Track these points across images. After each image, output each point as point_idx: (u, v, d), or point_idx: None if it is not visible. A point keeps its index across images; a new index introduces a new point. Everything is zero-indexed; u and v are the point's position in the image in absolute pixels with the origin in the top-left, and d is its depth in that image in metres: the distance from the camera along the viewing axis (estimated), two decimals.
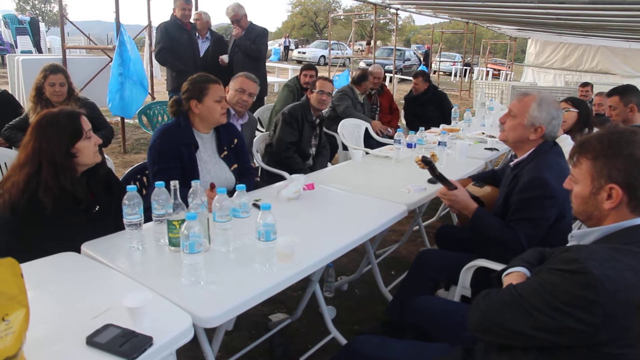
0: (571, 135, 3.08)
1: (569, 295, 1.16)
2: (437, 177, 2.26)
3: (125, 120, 6.47)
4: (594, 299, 1.13)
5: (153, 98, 8.02)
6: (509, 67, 21.58)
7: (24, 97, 5.97)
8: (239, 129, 3.41)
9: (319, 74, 4.94)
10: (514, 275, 1.57)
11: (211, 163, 2.73)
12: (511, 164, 2.34)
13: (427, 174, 2.97)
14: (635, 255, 1.21)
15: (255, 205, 2.23)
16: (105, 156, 2.26)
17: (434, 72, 21.73)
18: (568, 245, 1.48)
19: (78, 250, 1.86)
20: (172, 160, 2.55)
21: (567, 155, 2.94)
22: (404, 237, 3.83)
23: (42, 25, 17.82)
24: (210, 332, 1.79)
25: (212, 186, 2.30)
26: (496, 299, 1.34)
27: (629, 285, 1.14)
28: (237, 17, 5.50)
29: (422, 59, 23.68)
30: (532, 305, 1.23)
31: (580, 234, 1.43)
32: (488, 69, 21.77)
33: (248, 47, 5.47)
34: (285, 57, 26.59)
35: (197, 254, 1.57)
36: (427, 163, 2.28)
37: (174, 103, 2.70)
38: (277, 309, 2.91)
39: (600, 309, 1.13)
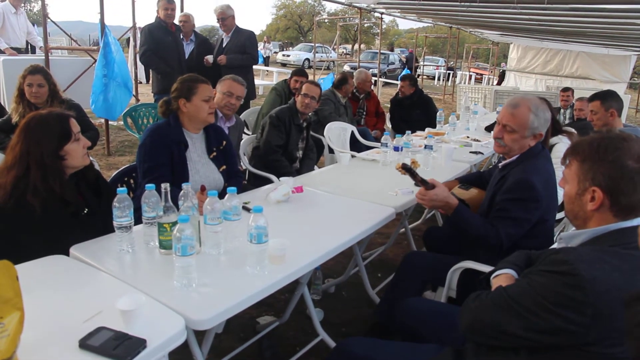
0: None
1: (560, 296, 1.19)
2: (419, 182, 2.29)
3: (109, 122, 6.40)
4: (583, 299, 1.16)
5: (137, 100, 7.95)
6: (492, 72, 21.86)
7: (5, 98, 5.87)
8: (227, 131, 3.41)
9: None
10: (502, 277, 1.60)
11: (200, 163, 2.73)
12: (500, 164, 2.37)
13: None
14: (623, 257, 1.24)
15: (245, 208, 2.23)
16: (91, 158, 2.25)
17: (418, 75, 21.90)
18: (556, 247, 1.51)
19: (67, 253, 1.85)
20: (162, 158, 2.55)
21: (559, 159, 3.00)
22: (390, 239, 3.86)
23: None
24: (199, 335, 1.79)
25: (203, 188, 2.30)
26: (487, 300, 1.37)
27: (617, 286, 1.17)
28: (224, 15, 5.50)
29: (404, 62, 23.81)
30: (523, 306, 1.26)
31: (568, 236, 1.47)
32: (471, 73, 22.03)
33: (239, 61, 5.48)
34: (265, 63, 25.99)
35: (189, 256, 1.57)
36: (408, 170, 2.32)
37: (164, 103, 2.72)
38: (265, 311, 2.91)
39: (589, 309, 1.16)
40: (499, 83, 20.84)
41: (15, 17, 6.73)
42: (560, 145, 3.09)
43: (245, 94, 3.53)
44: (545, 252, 1.38)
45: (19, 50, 6.67)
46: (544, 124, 2.23)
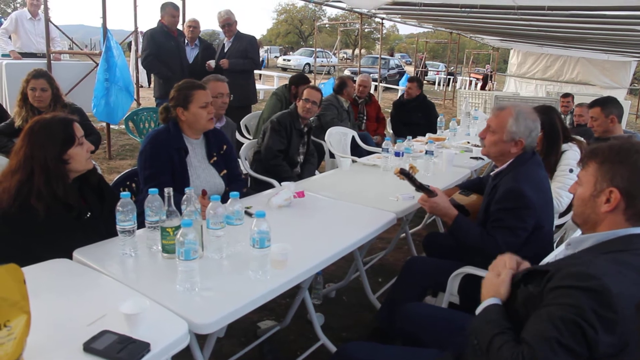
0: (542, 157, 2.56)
1: (593, 316, 1.16)
2: (417, 187, 2.32)
3: (111, 126, 6.43)
4: (614, 318, 1.16)
5: (139, 104, 7.98)
6: (492, 77, 21.89)
7: (8, 102, 5.90)
8: None
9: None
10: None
11: (201, 168, 2.74)
12: (492, 173, 2.40)
13: None
14: (636, 268, 1.24)
15: (247, 213, 2.24)
16: (93, 162, 2.26)
17: (427, 82, 22.04)
18: (563, 251, 1.50)
19: (70, 257, 1.86)
20: (163, 164, 2.56)
21: (567, 167, 3.00)
22: (390, 244, 3.87)
23: None
24: (201, 339, 1.80)
25: (204, 193, 2.32)
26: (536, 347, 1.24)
27: (636, 300, 1.18)
28: (229, 21, 5.58)
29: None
30: (567, 338, 1.19)
31: (576, 240, 1.46)
32: (471, 79, 22.09)
33: (242, 65, 5.52)
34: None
35: (192, 260, 1.58)
36: (406, 175, 2.34)
37: (164, 110, 2.72)
38: (266, 316, 2.92)
39: (618, 327, 1.16)
40: (483, 86, 20.94)
41: (32, 23, 6.72)
42: (569, 152, 3.10)
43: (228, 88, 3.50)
44: (561, 263, 1.35)
45: (35, 56, 6.68)
46: (525, 132, 2.23)
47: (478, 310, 1.52)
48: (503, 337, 1.33)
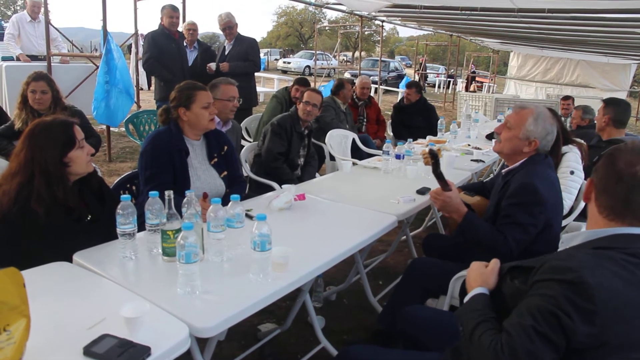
0: None
1: (570, 307, 1.18)
2: (437, 174, 2.29)
3: (111, 129, 6.43)
4: (592, 308, 1.16)
5: (139, 107, 7.98)
6: (492, 80, 21.92)
7: (8, 104, 5.89)
8: None
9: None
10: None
11: (201, 170, 2.74)
12: (503, 171, 2.40)
13: (415, 185, 3.02)
14: (618, 262, 1.24)
15: (248, 216, 2.24)
16: (93, 165, 2.25)
17: (428, 84, 22.02)
18: (559, 251, 1.51)
19: (70, 260, 1.85)
20: (164, 165, 2.55)
21: (568, 169, 3.00)
22: (391, 247, 3.86)
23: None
24: (201, 343, 1.79)
25: (205, 196, 2.31)
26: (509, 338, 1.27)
27: (619, 293, 1.18)
28: (230, 24, 5.60)
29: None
30: (543, 326, 1.20)
31: (568, 237, 1.48)
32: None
33: (243, 68, 5.53)
34: None
35: (193, 263, 1.57)
36: (434, 157, 2.31)
37: (163, 112, 2.72)
38: (266, 319, 2.91)
39: (598, 318, 1.16)
40: (467, 87, 20.88)
41: (32, 25, 6.72)
42: (570, 154, 3.11)
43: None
44: (545, 258, 1.37)
45: (36, 58, 6.69)
46: (541, 133, 2.24)
47: (466, 299, 1.58)
48: (485, 325, 1.38)
